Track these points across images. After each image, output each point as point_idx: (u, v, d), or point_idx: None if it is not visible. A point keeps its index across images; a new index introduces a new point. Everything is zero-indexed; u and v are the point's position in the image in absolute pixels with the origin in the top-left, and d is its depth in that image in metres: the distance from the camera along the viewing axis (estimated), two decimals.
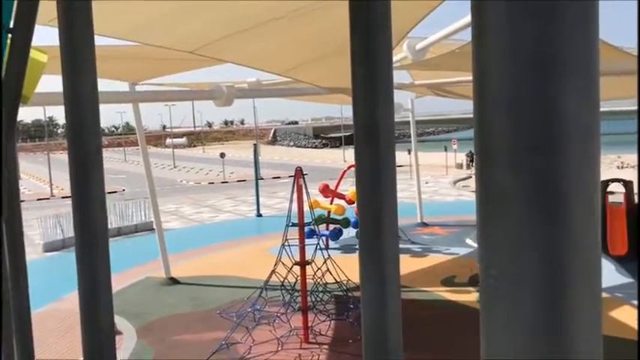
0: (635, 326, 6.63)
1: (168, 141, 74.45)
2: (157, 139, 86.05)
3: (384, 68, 0.96)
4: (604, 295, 7.78)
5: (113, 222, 14.98)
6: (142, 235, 15.10)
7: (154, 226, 10.99)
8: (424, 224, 13.67)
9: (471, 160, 32.45)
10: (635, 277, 8.59)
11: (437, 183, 26.47)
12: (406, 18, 5.27)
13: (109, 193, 23.56)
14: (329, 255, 7.21)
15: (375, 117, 0.95)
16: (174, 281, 9.93)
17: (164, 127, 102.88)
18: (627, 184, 10.54)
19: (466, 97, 12.05)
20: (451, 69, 8.08)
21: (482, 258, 0.57)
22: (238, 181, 32.26)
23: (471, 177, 29.07)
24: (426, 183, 25.95)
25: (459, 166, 33.54)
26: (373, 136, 0.95)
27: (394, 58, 7.51)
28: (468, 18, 5.06)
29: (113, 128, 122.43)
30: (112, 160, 56.98)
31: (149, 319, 8.00)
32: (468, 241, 11.60)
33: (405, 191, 23.06)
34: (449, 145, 34.37)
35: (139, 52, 6.40)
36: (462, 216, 14.83)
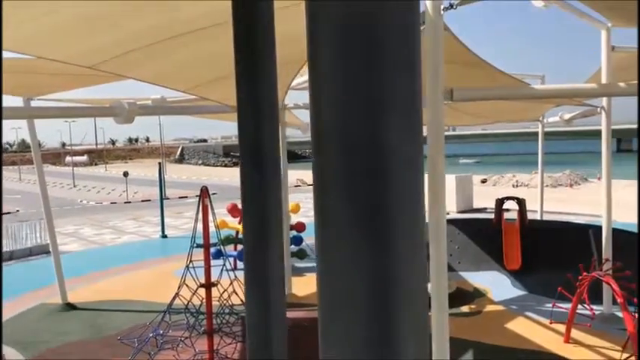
0: (530, 337, 7.00)
1: (68, 159, 70.85)
2: (56, 156, 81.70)
3: (268, 89, 0.95)
4: (501, 307, 8.22)
5: (5, 245, 13.97)
6: (37, 259, 14.17)
7: (50, 249, 10.34)
8: None
9: None
10: (528, 290, 9.09)
11: None
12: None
13: (2, 214, 21.96)
14: (235, 276, 7.08)
15: (260, 138, 0.94)
16: (71, 307, 9.35)
17: (64, 144, 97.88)
18: (520, 202, 11.18)
19: None
20: None
21: (321, 278, 0.59)
22: (142, 200, 31.16)
23: None
24: None
25: None
26: (258, 157, 0.93)
27: (302, 79, 7.60)
28: None
29: (7, 145, 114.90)
30: (6, 179, 53.33)
31: (42, 349, 7.47)
32: None
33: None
34: None
35: (33, 65, 6.05)
36: None
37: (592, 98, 8.53)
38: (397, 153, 0.54)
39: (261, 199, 0.95)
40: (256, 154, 0.92)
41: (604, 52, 7.10)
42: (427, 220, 3.82)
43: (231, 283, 6.84)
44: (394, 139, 0.54)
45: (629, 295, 5.19)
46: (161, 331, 6.64)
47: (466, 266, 10.48)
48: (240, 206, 11.37)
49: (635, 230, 10.92)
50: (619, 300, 5.15)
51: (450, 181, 22.27)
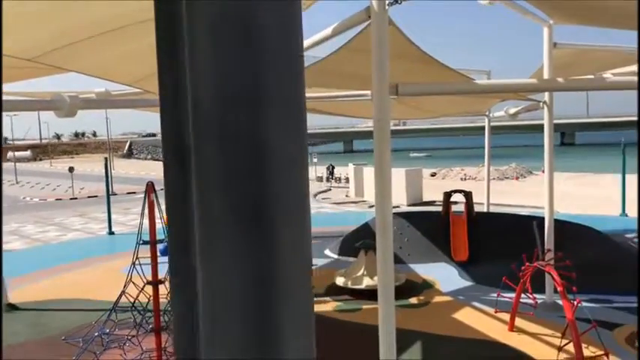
0: (476, 326, 7.18)
1: (10, 154, 68.20)
2: None
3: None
4: (448, 298, 8.39)
5: None
6: None
7: None
8: None
9: (331, 173, 33.43)
10: (475, 281, 9.31)
11: None
12: None
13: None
14: None
15: (183, 133, 0.90)
16: (12, 307, 9.01)
17: (5, 139, 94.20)
18: (467, 195, 11.44)
19: (321, 112, 12.38)
20: (311, 85, 8.25)
21: (201, 279, 0.57)
22: (89, 197, 30.33)
23: (330, 189, 29.94)
24: None
25: (320, 179, 34.38)
26: (180, 154, 0.90)
27: None
28: (322, 34, 5.20)
29: None
30: None
31: None
32: (327, 252, 11.87)
33: None
34: (309, 159, 35.13)
35: None
36: (322, 228, 15.17)
37: (534, 93, 8.79)
38: (278, 151, 0.53)
39: (184, 198, 0.92)
40: (179, 151, 0.89)
41: (546, 49, 7.32)
42: (374, 214, 3.85)
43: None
44: (275, 138, 0.53)
45: (568, 284, 5.38)
46: (107, 330, 6.50)
47: (415, 258, 10.65)
48: None
49: (577, 221, 11.37)
50: (559, 289, 5.34)
51: (400, 174, 22.59)
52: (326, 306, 8.17)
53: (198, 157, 0.53)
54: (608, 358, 4.98)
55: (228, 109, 0.51)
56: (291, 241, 0.54)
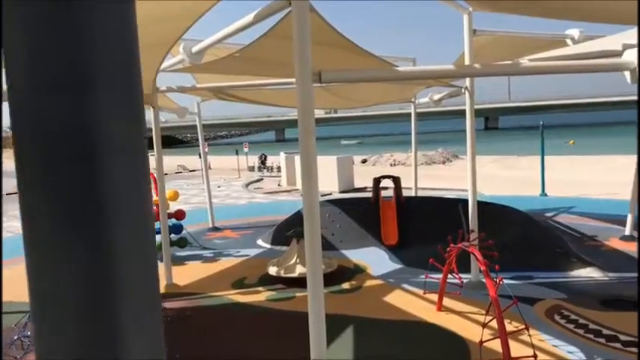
0: (406, 307, 7.35)
1: None
2: None
3: None
4: (379, 282, 8.55)
5: None
6: None
7: None
8: (216, 229, 13.60)
9: (262, 163, 33.25)
10: (404, 264, 9.53)
11: (229, 186, 26.59)
12: (183, 19, 5.15)
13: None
14: None
15: None
16: None
17: None
18: (396, 180, 11.67)
19: (251, 101, 12.26)
20: (232, 73, 8.14)
21: (30, 278, 0.54)
22: (7, 194, 28.79)
23: (262, 179, 29.76)
24: (219, 187, 25.92)
25: (251, 168, 34.14)
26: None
27: (172, 61, 7.34)
28: (243, 21, 5.11)
29: None
30: None
31: None
32: (259, 242, 11.81)
33: (197, 196, 22.76)
34: (240, 149, 34.77)
35: None
36: (253, 218, 15.10)
37: (457, 79, 9.04)
38: (110, 140, 0.50)
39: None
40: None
41: (466, 36, 7.52)
42: (302, 203, 3.85)
43: None
44: (106, 126, 0.49)
45: (491, 263, 5.59)
46: (28, 333, 6.22)
47: (347, 244, 10.78)
48: None
49: (500, 201, 11.84)
50: (482, 268, 5.54)
51: (332, 162, 22.75)
52: (259, 296, 8.15)
53: (18, 147, 0.49)
54: (528, 331, 5.22)
55: (49, 96, 0.46)
56: (131, 235, 0.50)
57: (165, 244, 8.95)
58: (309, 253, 3.76)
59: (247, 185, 26.98)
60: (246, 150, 34.87)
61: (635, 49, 4.37)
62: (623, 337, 6.05)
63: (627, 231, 10.72)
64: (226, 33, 5.34)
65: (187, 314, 7.45)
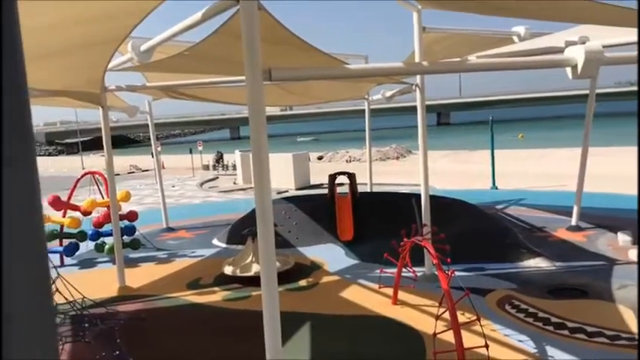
0: (362, 302, 7.42)
1: None
2: None
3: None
4: (336, 277, 8.60)
5: None
6: None
7: None
8: (170, 229, 13.40)
9: (217, 161, 32.92)
10: (360, 259, 9.61)
11: (184, 186, 26.23)
12: (130, 16, 5.04)
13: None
14: (58, 274, 6.60)
15: None
16: None
17: None
18: (351, 176, 11.76)
19: (203, 100, 12.12)
20: (182, 71, 8.03)
21: None
22: None
23: (217, 177, 29.48)
24: (173, 186, 25.55)
25: (206, 167, 33.76)
26: None
27: (121, 59, 7.18)
28: (191, 19, 5.05)
29: None
30: None
31: None
32: (215, 241, 11.71)
33: (151, 197, 22.37)
34: (194, 147, 34.33)
35: None
36: (209, 217, 14.95)
37: (407, 77, 9.15)
38: None
39: None
40: None
41: (416, 33, 7.62)
42: (254, 201, 3.83)
43: (54, 281, 6.35)
44: None
45: (443, 256, 5.70)
46: None
47: (304, 241, 10.80)
48: (63, 198, 10.57)
49: (452, 195, 12.08)
50: (434, 261, 5.64)
51: (288, 159, 22.74)
52: (215, 296, 8.08)
53: None
54: (480, 321, 5.35)
55: None
56: (18, 256, 0.48)
57: (118, 246, 8.77)
58: (262, 251, 3.76)
59: (202, 184, 26.68)
60: (200, 148, 34.44)
61: (577, 46, 4.52)
62: (570, 324, 6.27)
63: (573, 221, 11.11)
64: (174, 31, 5.27)
65: (142, 317, 7.32)
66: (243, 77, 3.72)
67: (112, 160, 8.53)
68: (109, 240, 10.33)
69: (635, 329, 6.05)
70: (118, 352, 5.96)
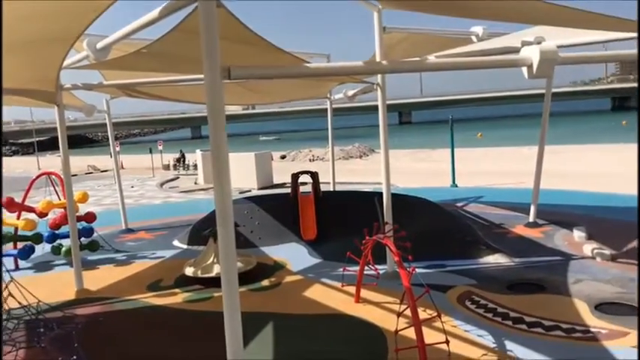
0: (325, 301, 7.42)
1: None
2: None
3: None
4: (299, 277, 8.59)
5: None
6: None
7: None
8: (130, 230, 13.15)
9: (178, 160, 32.50)
10: (323, 258, 9.62)
11: (144, 186, 25.79)
12: (85, 14, 4.91)
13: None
14: (11, 277, 6.39)
15: None
16: None
17: None
18: (314, 175, 11.76)
19: (163, 98, 11.93)
20: (141, 69, 7.87)
21: None
22: None
23: (178, 177, 29.11)
24: (132, 187, 25.11)
25: (166, 167, 33.28)
26: None
27: (77, 57, 7.00)
28: (148, 16, 4.96)
29: None
30: None
31: None
32: (175, 242, 11.55)
33: (109, 197, 21.94)
34: (154, 147, 33.81)
35: None
36: (169, 218, 14.73)
37: (369, 76, 9.20)
38: None
39: None
40: None
41: (377, 33, 7.66)
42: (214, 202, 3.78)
43: (7, 285, 6.15)
44: None
45: (404, 254, 5.75)
46: None
47: (267, 241, 10.75)
48: (18, 200, 10.25)
49: (413, 193, 12.21)
50: (395, 258, 5.68)
51: (250, 158, 22.60)
52: (176, 298, 7.96)
53: None
54: (440, 318, 5.42)
55: None
56: None
57: (75, 249, 8.55)
58: (223, 251, 3.71)
59: (162, 184, 26.30)
60: (160, 148, 33.94)
61: (533, 46, 4.61)
62: (528, 319, 6.40)
63: (531, 218, 11.37)
64: (132, 29, 5.16)
65: (99, 320, 7.16)
66: (202, 75, 3.66)
67: (68, 160, 8.31)
68: (65, 242, 10.08)
69: (589, 321, 6.22)
70: (75, 357, 5.81)
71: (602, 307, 6.64)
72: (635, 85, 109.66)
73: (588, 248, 8.97)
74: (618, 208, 12.46)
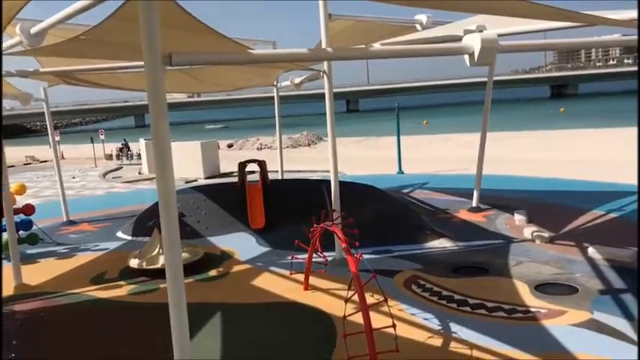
0: (273, 289, 7.41)
1: None
2: None
3: None
4: (247, 266, 8.54)
5: None
6: None
7: None
8: (71, 222, 12.74)
9: (121, 150, 31.69)
10: (272, 247, 9.59)
11: (85, 177, 25.04)
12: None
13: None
14: None
15: None
16: None
17: None
18: (261, 164, 11.69)
19: (104, 86, 11.57)
20: (78, 56, 7.60)
21: None
22: None
23: (121, 167, 28.40)
24: (73, 178, 24.35)
25: (109, 157, 32.39)
26: None
27: (9, 42, 6.67)
28: (85, 1, 4.78)
29: None
30: None
31: None
32: (120, 234, 11.27)
33: (49, 189, 21.22)
34: (96, 136, 32.83)
35: None
36: (113, 209, 14.36)
37: (316, 63, 9.19)
38: None
39: None
40: None
41: (322, 20, 7.64)
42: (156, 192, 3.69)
43: None
44: None
45: (351, 240, 5.79)
46: None
47: (214, 231, 10.63)
48: None
49: (361, 181, 12.31)
50: (343, 245, 5.72)
51: (196, 147, 22.27)
52: (120, 290, 7.77)
53: None
54: (387, 302, 5.49)
55: None
56: None
57: (13, 242, 8.21)
58: (166, 242, 3.64)
59: (105, 175, 25.60)
60: (102, 137, 32.98)
61: (474, 34, 4.69)
62: (472, 301, 6.59)
63: (474, 203, 11.67)
64: (67, 13, 4.96)
65: (41, 315, 6.92)
66: (141, 62, 3.56)
67: (2, 150, 7.95)
68: (2, 236, 9.67)
69: (529, 302, 6.46)
70: (14, 355, 5.61)
71: (541, 288, 6.91)
72: (572, 72, 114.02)
73: (528, 231, 9.29)
74: (557, 192, 12.96)
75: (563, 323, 5.86)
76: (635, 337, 5.46)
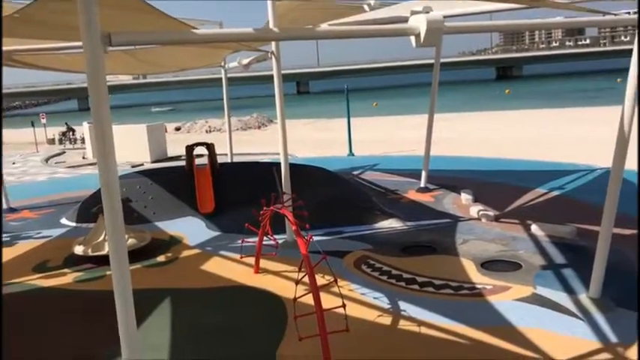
0: (224, 274, 7.36)
1: None
2: None
3: None
4: (197, 251, 8.44)
5: None
6: None
7: None
8: (12, 209, 12.26)
9: (64, 134, 30.66)
10: (222, 231, 9.51)
11: (26, 162, 24.12)
12: None
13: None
14: None
15: None
16: None
17: None
18: (209, 147, 11.51)
19: (44, 68, 11.12)
20: (12, 36, 7.24)
21: None
22: None
23: (65, 152, 27.51)
24: (13, 163, 23.43)
25: (51, 141, 31.29)
26: None
27: None
28: None
29: None
30: None
31: None
32: (64, 220, 10.93)
33: None
34: (37, 120, 31.60)
35: None
36: (56, 195, 13.90)
37: (264, 44, 9.07)
38: None
39: None
40: None
41: (269, 1, 7.53)
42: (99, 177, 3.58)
43: None
44: None
45: (301, 222, 5.79)
46: None
47: (162, 216, 10.43)
48: None
49: (312, 163, 12.32)
50: (293, 227, 5.71)
51: (142, 131, 21.76)
52: (65, 278, 7.56)
53: None
54: (337, 283, 5.54)
55: None
56: None
57: None
58: (110, 228, 3.54)
59: (47, 160, 24.74)
60: (43, 121, 31.78)
61: (420, 15, 4.71)
62: (420, 279, 6.72)
63: (422, 183, 11.85)
64: None
65: None
66: (79, 43, 3.41)
67: None
68: None
69: (475, 279, 6.64)
70: None
71: (487, 265, 7.11)
72: (517, 55, 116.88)
73: (474, 210, 9.52)
74: (502, 172, 13.32)
75: (508, 298, 6.05)
76: (574, 309, 5.70)
